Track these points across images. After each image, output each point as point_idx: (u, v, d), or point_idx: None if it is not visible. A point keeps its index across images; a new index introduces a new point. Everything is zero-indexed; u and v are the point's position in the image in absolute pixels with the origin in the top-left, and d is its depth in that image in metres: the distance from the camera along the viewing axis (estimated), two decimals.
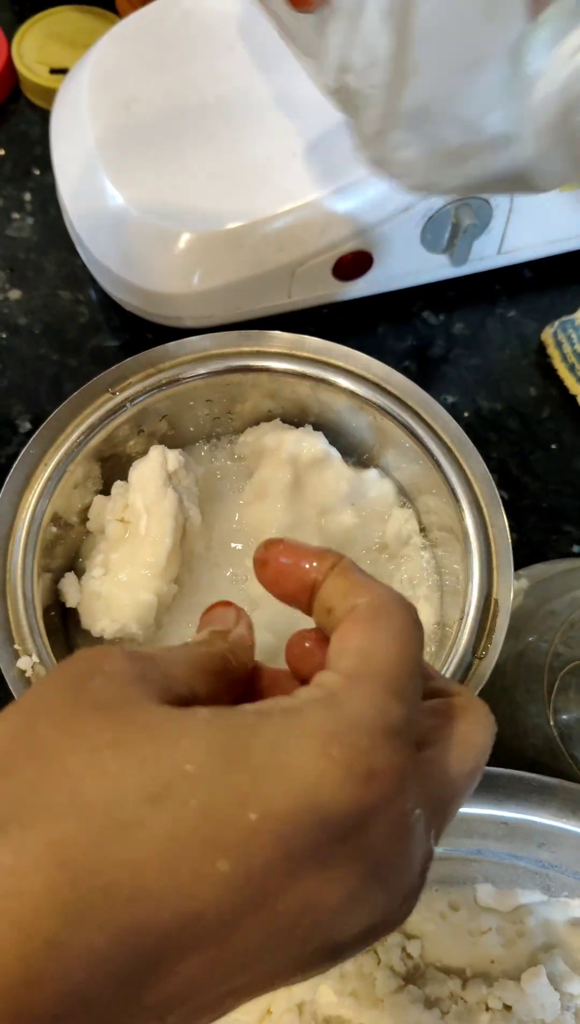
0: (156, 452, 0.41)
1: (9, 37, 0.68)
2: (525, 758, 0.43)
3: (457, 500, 0.38)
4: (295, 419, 0.45)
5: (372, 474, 0.44)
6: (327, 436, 0.45)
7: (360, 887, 0.20)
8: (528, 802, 0.39)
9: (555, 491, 0.57)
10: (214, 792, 0.19)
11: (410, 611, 0.24)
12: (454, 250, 0.56)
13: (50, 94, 0.63)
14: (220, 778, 0.19)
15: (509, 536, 0.38)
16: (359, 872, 0.20)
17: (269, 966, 0.20)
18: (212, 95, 0.56)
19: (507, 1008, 0.41)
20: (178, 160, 0.54)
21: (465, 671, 0.36)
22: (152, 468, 0.40)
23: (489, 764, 0.40)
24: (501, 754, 0.45)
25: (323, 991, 0.41)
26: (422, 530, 0.44)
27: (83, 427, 0.39)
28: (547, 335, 0.61)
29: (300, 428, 0.44)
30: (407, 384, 0.41)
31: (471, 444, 0.39)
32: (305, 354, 0.41)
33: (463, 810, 0.40)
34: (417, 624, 0.24)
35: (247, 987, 0.20)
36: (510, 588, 0.37)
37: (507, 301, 0.63)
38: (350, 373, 0.41)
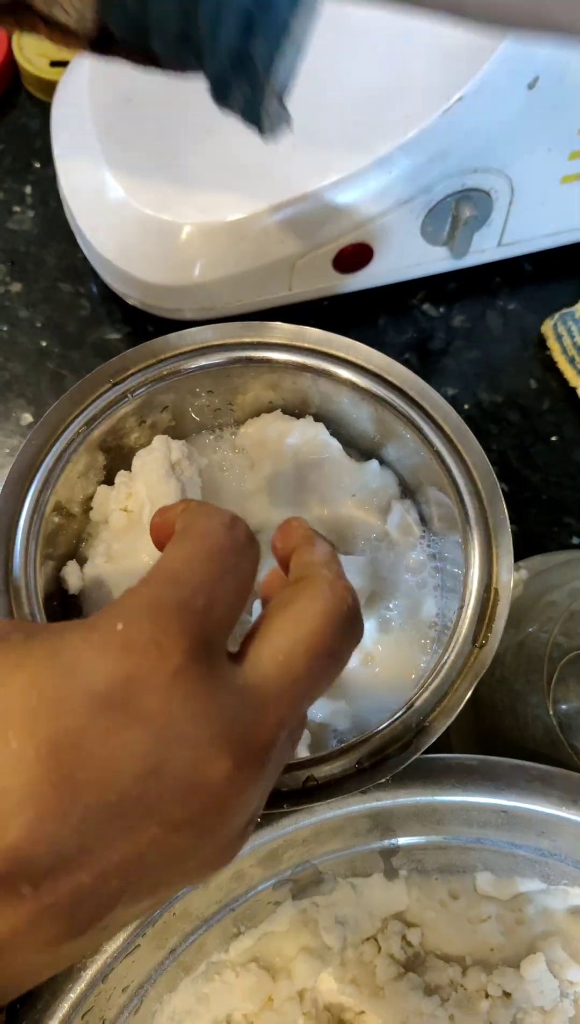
0: (160, 442, 0.41)
1: (9, 30, 0.68)
2: (525, 748, 0.43)
3: (458, 490, 0.38)
4: (296, 410, 0.45)
5: (373, 465, 0.44)
6: (328, 427, 0.45)
7: (152, 751, 0.21)
8: (528, 791, 0.40)
9: (555, 483, 0.57)
10: (3, 684, 0.21)
11: (218, 517, 0.26)
12: (454, 242, 0.56)
13: (51, 87, 0.63)
14: (8, 674, 0.22)
15: (509, 526, 0.38)
16: (145, 737, 0.21)
17: (117, 839, 0.21)
18: None
19: (506, 995, 0.41)
20: (179, 153, 0.55)
21: (465, 660, 0.36)
22: (156, 458, 0.40)
23: (490, 754, 0.40)
24: (501, 744, 0.45)
25: (324, 979, 0.41)
26: (422, 521, 0.44)
27: (85, 417, 0.39)
28: (547, 328, 0.61)
29: (301, 419, 0.44)
30: (407, 375, 0.41)
31: (471, 435, 0.40)
32: (306, 345, 0.41)
33: (462, 798, 0.40)
34: (226, 525, 0.25)
35: (119, 871, 0.21)
36: (510, 577, 0.37)
37: (507, 294, 0.63)
38: (351, 364, 0.41)
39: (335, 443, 0.44)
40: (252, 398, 0.45)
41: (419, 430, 0.40)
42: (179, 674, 0.22)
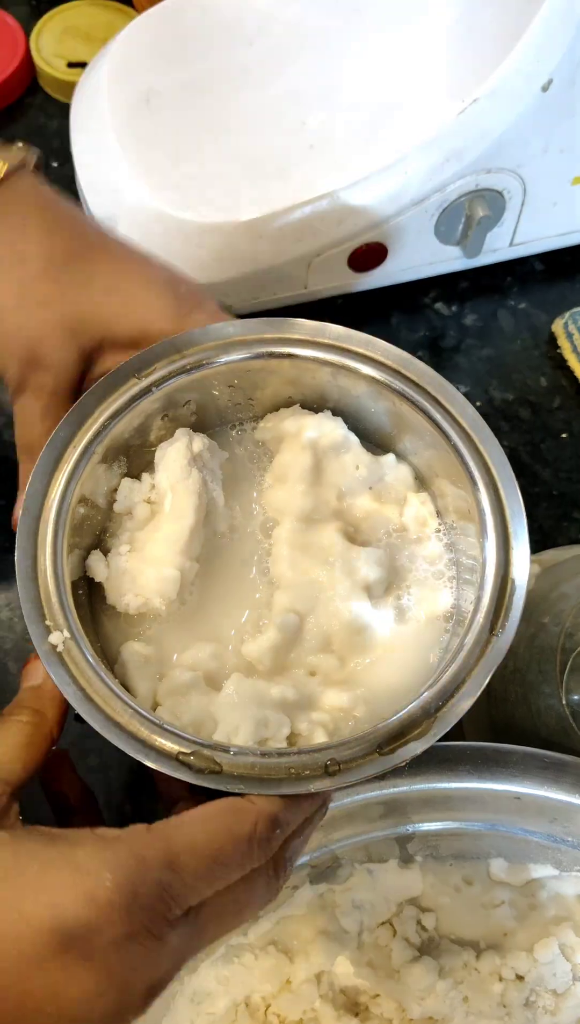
0: (182, 433, 0.41)
1: (27, 31, 0.69)
2: (538, 737, 0.44)
3: (474, 482, 0.39)
4: (314, 405, 0.46)
5: (390, 459, 0.44)
6: (345, 422, 0.45)
7: (102, 984, 0.27)
8: (541, 778, 0.40)
9: (566, 479, 0.58)
10: None
11: (261, 820, 0.31)
12: (467, 242, 0.57)
13: (67, 87, 0.64)
14: None
15: (525, 517, 0.39)
16: (97, 973, 0.27)
17: None
18: (230, 88, 0.57)
19: (520, 978, 0.42)
20: (197, 152, 0.55)
21: (482, 647, 0.36)
22: (178, 449, 0.41)
23: (504, 741, 0.41)
24: (514, 734, 0.46)
25: (340, 962, 0.42)
26: (438, 513, 0.45)
27: (110, 411, 0.40)
28: (558, 326, 0.61)
29: (320, 414, 0.45)
30: (425, 370, 0.41)
31: (487, 428, 0.40)
32: (327, 341, 0.42)
33: (476, 785, 0.41)
34: (253, 836, 0.30)
35: None
36: (526, 567, 0.38)
37: (518, 293, 0.64)
38: (370, 359, 0.42)
39: (353, 437, 0.44)
40: (271, 393, 0.46)
41: (436, 424, 0.40)
42: (145, 935, 0.28)
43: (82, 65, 0.65)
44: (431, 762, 0.41)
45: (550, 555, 0.53)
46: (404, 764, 0.35)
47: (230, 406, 0.45)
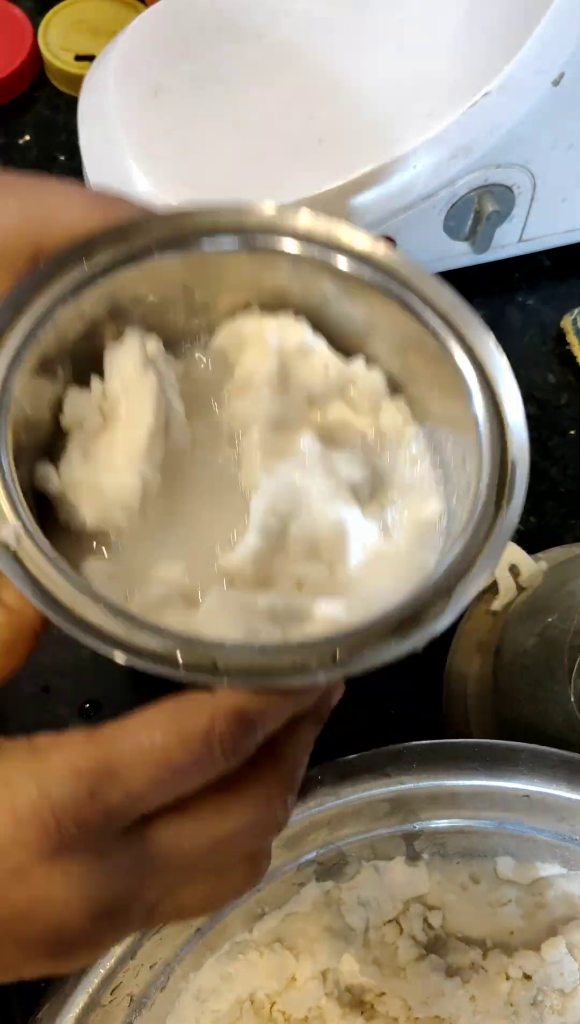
0: (133, 333, 0.38)
1: (35, 24, 0.68)
2: (546, 734, 0.44)
3: (458, 370, 0.36)
4: (273, 310, 0.43)
5: (359, 363, 0.42)
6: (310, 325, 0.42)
7: (35, 901, 0.25)
8: (549, 776, 0.40)
9: (573, 476, 0.58)
10: None
11: (221, 716, 0.27)
12: (476, 237, 0.57)
13: (75, 80, 0.64)
14: None
15: (515, 380, 0.37)
16: (29, 890, 0.25)
17: None
18: (239, 82, 0.57)
19: (527, 977, 0.42)
20: (205, 147, 0.55)
21: (490, 523, 0.34)
22: (129, 348, 0.37)
23: (511, 739, 0.41)
24: (521, 732, 0.46)
25: (346, 960, 0.42)
26: (415, 419, 0.42)
27: (53, 296, 0.35)
28: (566, 323, 0.61)
29: (282, 317, 0.41)
30: (394, 256, 0.38)
31: (468, 310, 0.37)
32: (290, 227, 0.39)
33: (485, 783, 0.41)
34: (211, 735, 0.27)
35: None
36: (526, 447, 0.35)
37: (527, 289, 0.63)
38: (335, 248, 0.39)
39: (320, 341, 0.41)
40: (228, 300, 0.41)
41: (411, 310, 0.37)
42: (61, 852, 0.25)
43: (90, 58, 0.65)
44: (438, 759, 0.41)
45: (558, 552, 0.53)
46: (421, 649, 0.32)
47: (183, 313, 0.40)
